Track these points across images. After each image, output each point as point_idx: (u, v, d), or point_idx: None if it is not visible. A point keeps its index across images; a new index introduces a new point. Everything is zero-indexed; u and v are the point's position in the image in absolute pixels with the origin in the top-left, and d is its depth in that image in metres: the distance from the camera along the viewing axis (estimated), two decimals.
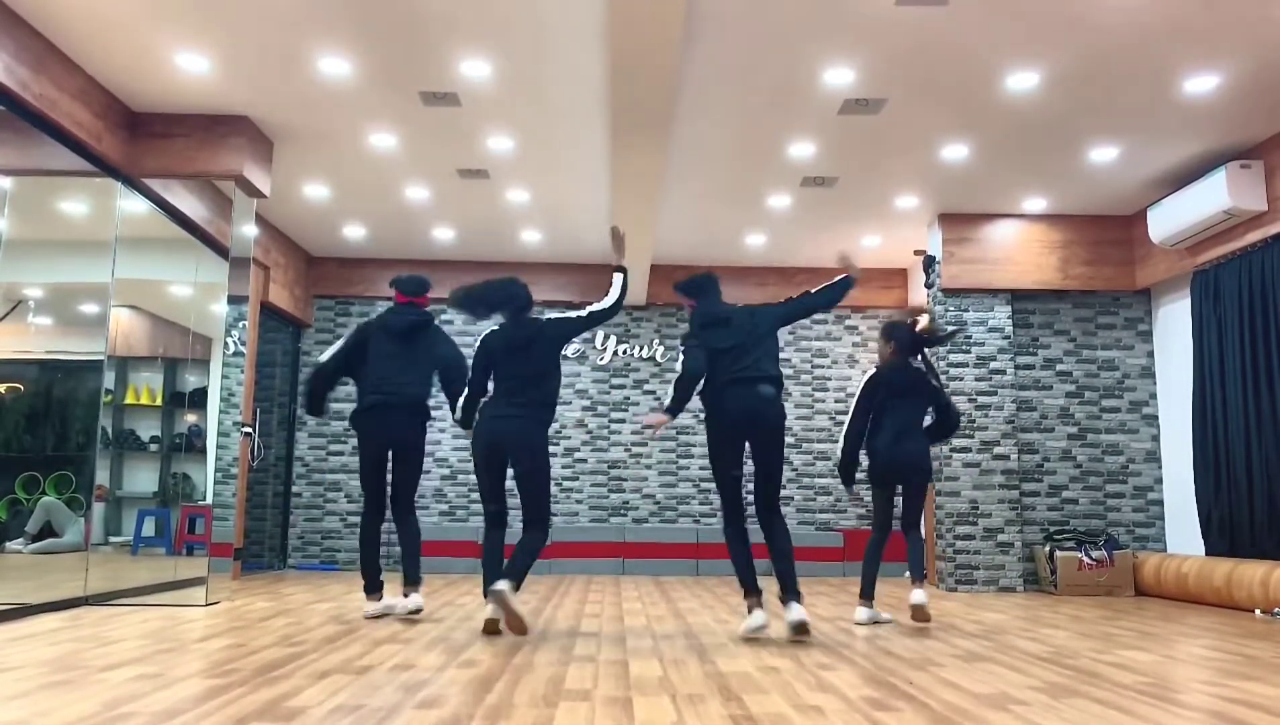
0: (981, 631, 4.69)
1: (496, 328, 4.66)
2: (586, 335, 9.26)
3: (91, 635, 4.11)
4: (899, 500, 5.06)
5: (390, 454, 5.05)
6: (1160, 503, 7.46)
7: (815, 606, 5.81)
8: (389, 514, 5.13)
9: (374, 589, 4.99)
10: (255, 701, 2.75)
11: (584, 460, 9.10)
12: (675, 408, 4.35)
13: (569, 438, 9.11)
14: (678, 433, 9.05)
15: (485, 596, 4.30)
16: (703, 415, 4.66)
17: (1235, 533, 6.28)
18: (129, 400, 6.82)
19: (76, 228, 6.18)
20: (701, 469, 9.03)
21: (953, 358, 7.46)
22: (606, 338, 9.27)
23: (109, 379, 6.03)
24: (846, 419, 5.14)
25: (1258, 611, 5.64)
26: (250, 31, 4.83)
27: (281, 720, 2.53)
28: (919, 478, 4.99)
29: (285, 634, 4.23)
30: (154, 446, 6.90)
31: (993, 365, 7.49)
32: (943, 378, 4.71)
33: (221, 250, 6.36)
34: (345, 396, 9.06)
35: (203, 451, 7.02)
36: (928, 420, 5.15)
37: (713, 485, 9.11)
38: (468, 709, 2.71)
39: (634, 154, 5.60)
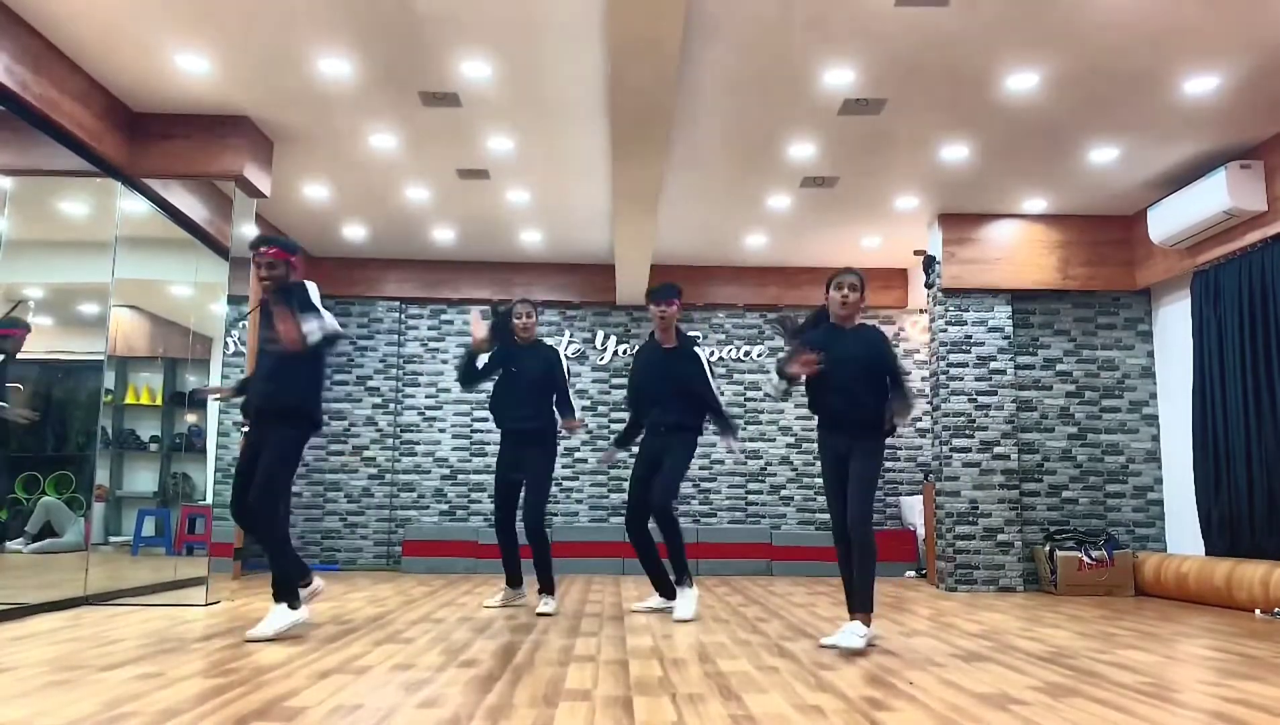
0: (981, 631, 4.69)
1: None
2: (586, 334, 9.27)
3: (92, 635, 4.11)
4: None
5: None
6: (1160, 502, 7.46)
7: (815, 606, 5.81)
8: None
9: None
10: (255, 701, 2.76)
11: (584, 460, 9.10)
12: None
13: (569, 437, 9.11)
14: None
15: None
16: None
17: (1235, 532, 6.28)
18: (129, 400, 6.83)
19: (77, 228, 6.19)
20: (701, 469, 9.03)
21: (953, 358, 7.47)
22: (606, 337, 9.27)
23: (109, 379, 6.04)
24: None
25: (1258, 611, 5.64)
26: (250, 32, 4.83)
27: (281, 720, 2.53)
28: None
29: (285, 633, 4.23)
30: (154, 446, 6.90)
31: (993, 365, 7.50)
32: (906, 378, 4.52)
33: (222, 250, 6.36)
34: (335, 396, 9.08)
35: (203, 451, 7.02)
36: None
37: (714, 485, 9.13)
38: (468, 709, 2.71)
39: (634, 154, 5.59)
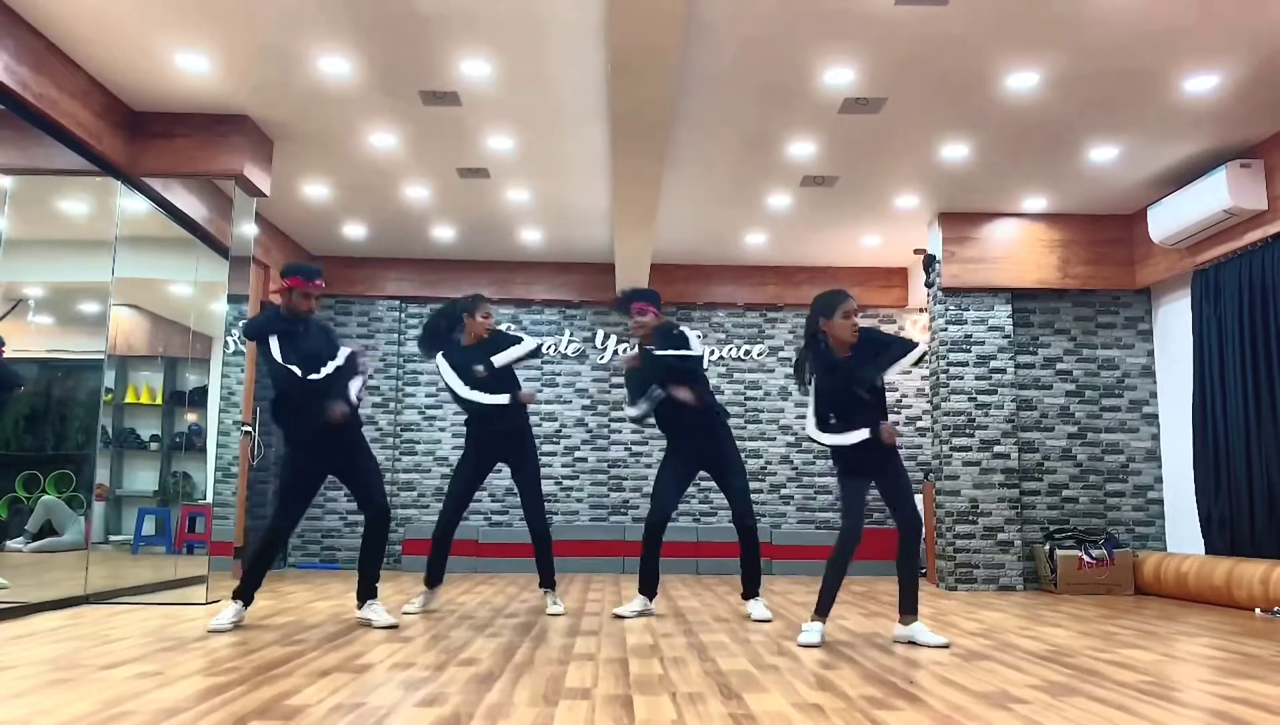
0: (981, 630, 4.69)
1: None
2: (586, 333, 9.27)
3: (92, 634, 4.11)
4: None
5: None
6: (1160, 502, 7.46)
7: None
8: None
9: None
10: (255, 700, 2.76)
11: (584, 459, 9.10)
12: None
13: (569, 437, 9.11)
14: None
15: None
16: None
17: (1235, 531, 6.28)
18: (129, 399, 6.82)
19: (77, 227, 6.19)
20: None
21: (953, 357, 7.47)
22: (606, 337, 9.26)
23: (109, 378, 6.03)
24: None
25: (1258, 610, 5.64)
26: (250, 31, 4.83)
27: (281, 719, 2.53)
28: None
29: (285, 632, 4.24)
30: (154, 445, 6.90)
31: (993, 364, 7.49)
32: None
33: (222, 249, 6.35)
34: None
35: (203, 450, 7.02)
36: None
37: (713, 484, 9.10)
38: (468, 708, 2.72)
39: (634, 153, 5.59)
